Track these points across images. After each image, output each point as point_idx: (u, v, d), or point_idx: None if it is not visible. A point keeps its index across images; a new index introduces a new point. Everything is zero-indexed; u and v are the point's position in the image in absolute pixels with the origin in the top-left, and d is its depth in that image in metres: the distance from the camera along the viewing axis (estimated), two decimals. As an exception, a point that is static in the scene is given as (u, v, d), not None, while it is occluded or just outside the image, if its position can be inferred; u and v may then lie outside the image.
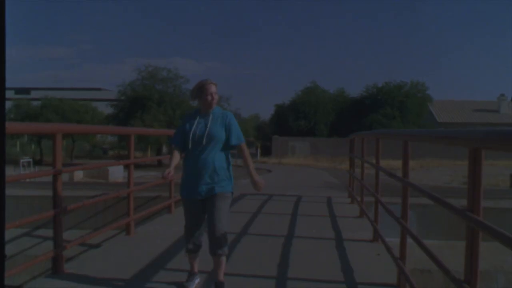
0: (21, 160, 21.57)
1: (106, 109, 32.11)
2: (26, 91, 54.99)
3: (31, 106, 31.44)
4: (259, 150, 35.10)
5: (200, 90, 3.23)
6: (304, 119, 35.53)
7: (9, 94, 45.26)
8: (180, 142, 3.25)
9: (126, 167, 6.06)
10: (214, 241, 3.12)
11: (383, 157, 5.16)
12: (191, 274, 3.40)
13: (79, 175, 16.00)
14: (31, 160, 23.68)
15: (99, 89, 61.62)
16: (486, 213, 2.04)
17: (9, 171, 17.94)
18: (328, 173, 18.46)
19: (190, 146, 3.18)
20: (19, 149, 33.79)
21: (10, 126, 3.25)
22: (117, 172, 16.20)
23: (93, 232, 4.73)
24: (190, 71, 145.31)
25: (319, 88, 37.84)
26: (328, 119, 36.13)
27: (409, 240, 3.17)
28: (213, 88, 3.23)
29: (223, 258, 3.20)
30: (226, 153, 3.26)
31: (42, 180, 9.62)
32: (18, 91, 52.57)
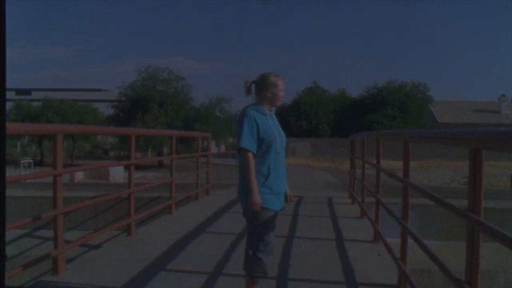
0: (22, 161, 21.58)
1: (106, 110, 32.10)
2: (27, 92, 55.09)
3: (32, 106, 31.44)
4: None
5: (272, 84, 2.84)
6: (305, 119, 35.53)
7: (9, 95, 45.34)
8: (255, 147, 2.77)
9: (127, 167, 6.07)
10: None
11: (383, 158, 5.16)
12: None
13: (79, 175, 16.00)
14: (31, 160, 23.68)
15: (99, 90, 61.71)
16: (486, 213, 2.04)
17: (10, 172, 17.95)
18: (329, 173, 18.45)
19: (278, 151, 2.82)
20: (20, 149, 33.81)
21: (11, 127, 3.25)
22: (117, 173, 16.20)
23: (94, 233, 4.73)
24: (190, 71, 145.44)
25: (320, 88, 37.87)
26: (329, 119, 36.13)
27: (410, 241, 3.17)
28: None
29: None
30: None
31: (42, 181, 9.61)
32: (19, 92, 52.66)
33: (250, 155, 2.73)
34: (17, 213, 6.74)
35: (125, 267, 3.92)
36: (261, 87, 2.86)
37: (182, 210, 6.98)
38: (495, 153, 2.32)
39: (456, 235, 6.53)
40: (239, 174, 2.91)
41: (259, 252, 2.88)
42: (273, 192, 2.82)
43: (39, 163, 26.47)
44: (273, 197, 2.82)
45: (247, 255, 2.95)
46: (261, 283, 3.58)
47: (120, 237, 5.40)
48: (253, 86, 2.93)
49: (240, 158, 2.83)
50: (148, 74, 28.30)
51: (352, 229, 5.58)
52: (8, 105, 29.74)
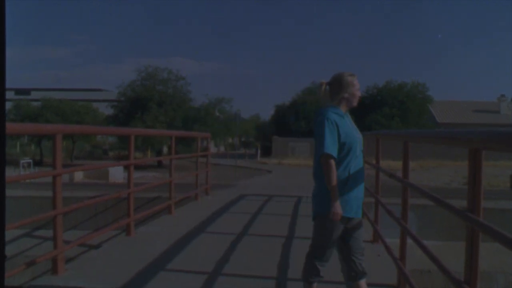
0: (21, 161, 21.58)
1: (106, 110, 32.10)
2: (26, 91, 55.05)
3: (31, 106, 31.44)
4: (259, 151, 35.11)
5: (349, 84, 2.75)
6: (304, 119, 35.52)
7: (9, 94, 45.20)
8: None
9: (126, 167, 6.07)
10: (358, 266, 2.85)
11: (383, 158, 5.16)
12: None
13: (79, 175, 16.00)
14: (31, 160, 23.68)
15: (99, 90, 61.66)
16: (486, 213, 2.04)
17: (9, 172, 17.94)
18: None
19: (357, 155, 2.73)
20: (19, 150, 33.81)
21: (10, 127, 3.25)
22: (117, 173, 16.20)
23: (93, 233, 4.73)
24: (190, 71, 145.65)
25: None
26: (328, 119, 36.11)
27: (409, 241, 3.17)
28: None
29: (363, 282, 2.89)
30: None
31: (42, 181, 9.62)
32: (18, 91, 52.61)
33: (333, 162, 2.61)
34: (17, 213, 6.74)
35: (124, 267, 3.91)
36: (338, 88, 2.76)
37: (181, 210, 6.98)
38: (495, 153, 2.32)
39: (456, 236, 6.53)
40: (316, 179, 2.77)
41: (317, 260, 2.79)
42: (351, 198, 2.69)
43: (38, 163, 26.47)
44: (351, 203, 2.70)
45: (309, 263, 2.84)
46: (261, 283, 3.58)
47: (120, 237, 5.40)
48: (327, 88, 2.83)
49: (318, 163, 2.70)
50: (147, 74, 28.31)
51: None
52: (8, 105, 29.70)
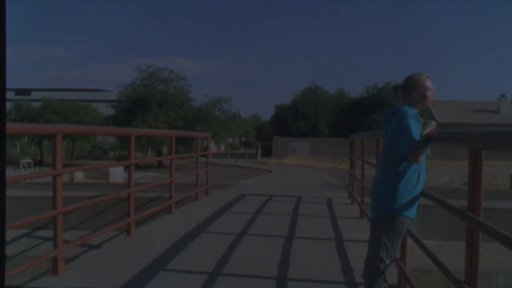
0: (22, 161, 21.56)
1: (106, 110, 32.07)
2: (27, 92, 55.07)
3: (31, 107, 31.43)
4: (259, 151, 35.12)
5: (418, 84, 2.66)
6: (303, 119, 35.53)
7: (9, 95, 45.33)
8: None
9: (127, 167, 6.06)
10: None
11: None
12: None
13: (79, 175, 15.99)
14: (31, 160, 23.67)
15: (99, 90, 61.71)
16: (486, 213, 2.04)
17: (10, 172, 17.93)
18: (328, 173, 18.44)
19: (429, 155, 2.69)
20: (20, 150, 33.80)
21: (11, 127, 3.25)
22: (117, 173, 16.19)
23: (94, 233, 4.73)
24: (189, 71, 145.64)
25: (319, 88, 37.88)
26: (328, 119, 36.14)
27: (409, 241, 3.17)
28: None
29: None
30: None
31: (42, 181, 9.63)
32: (19, 92, 52.64)
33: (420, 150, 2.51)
34: (17, 213, 6.74)
35: (124, 267, 3.92)
36: (407, 88, 2.68)
37: (181, 210, 6.98)
38: (495, 153, 2.31)
39: (456, 235, 6.53)
40: (388, 177, 2.67)
41: (382, 263, 2.65)
42: (415, 200, 2.65)
43: (38, 163, 26.46)
44: (414, 205, 2.66)
45: (372, 266, 2.69)
46: (261, 283, 3.58)
47: (120, 237, 5.40)
48: (400, 91, 2.77)
49: (391, 161, 2.63)
50: (148, 73, 28.28)
51: (352, 229, 5.58)
52: (8, 105, 29.68)
